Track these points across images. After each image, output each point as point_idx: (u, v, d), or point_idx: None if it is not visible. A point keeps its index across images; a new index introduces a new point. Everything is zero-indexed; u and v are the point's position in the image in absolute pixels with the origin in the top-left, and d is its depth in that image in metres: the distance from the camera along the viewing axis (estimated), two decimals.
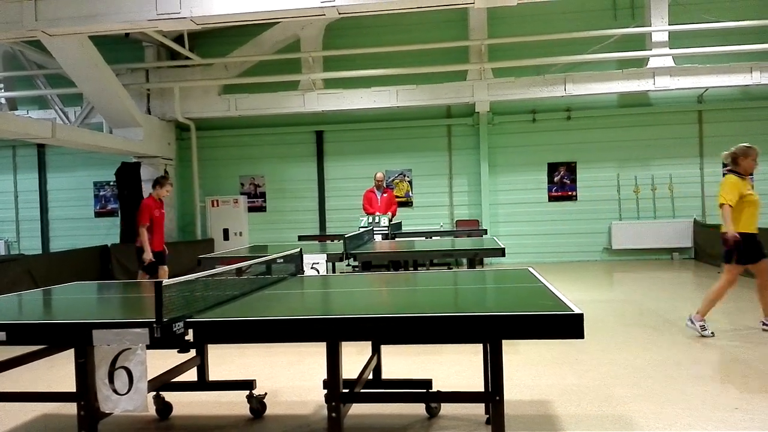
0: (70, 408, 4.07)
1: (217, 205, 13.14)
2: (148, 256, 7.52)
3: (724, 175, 5.90)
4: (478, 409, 3.81)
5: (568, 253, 12.65)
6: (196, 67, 12.49)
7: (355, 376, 3.44)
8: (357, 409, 3.87)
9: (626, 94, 12.17)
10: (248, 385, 3.93)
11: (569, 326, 2.39)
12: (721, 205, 5.66)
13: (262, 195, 13.61)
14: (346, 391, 2.91)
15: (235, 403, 4.15)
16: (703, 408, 3.76)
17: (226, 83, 12.57)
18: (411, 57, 12.32)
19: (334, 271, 9.61)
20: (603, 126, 12.59)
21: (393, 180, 13.17)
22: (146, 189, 12.29)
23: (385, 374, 4.35)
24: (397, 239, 8.79)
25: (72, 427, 3.67)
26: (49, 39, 8.16)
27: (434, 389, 3.89)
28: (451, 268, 10.22)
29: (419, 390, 3.87)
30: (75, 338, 2.72)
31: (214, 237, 12.92)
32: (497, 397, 2.62)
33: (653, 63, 11.51)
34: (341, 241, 6.22)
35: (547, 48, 12.00)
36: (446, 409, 3.84)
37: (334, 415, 2.77)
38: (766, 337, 5.53)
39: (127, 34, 11.47)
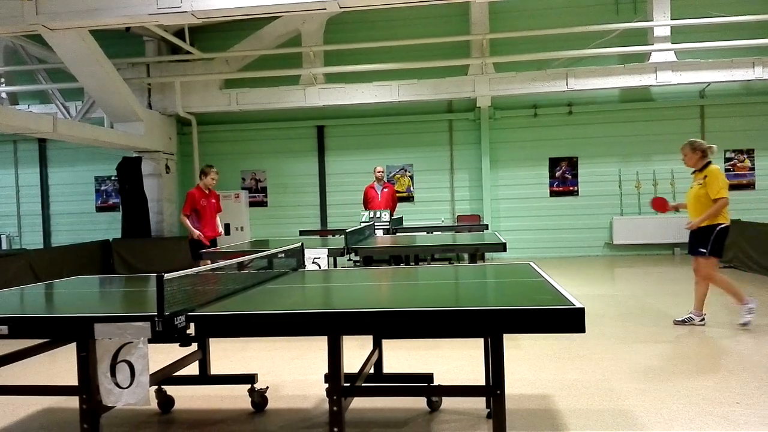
0: (73, 402, 4.08)
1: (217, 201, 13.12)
2: (196, 233, 7.62)
3: (706, 166, 5.76)
4: (480, 403, 3.81)
5: (569, 248, 12.64)
6: (197, 62, 12.47)
7: (356, 370, 3.45)
8: (358, 403, 3.88)
9: (628, 89, 12.14)
10: (250, 379, 3.94)
11: (570, 320, 2.39)
12: (718, 200, 5.60)
13: (264, 190, 13.61)
14: (348, 385, 2.92)
15: (237, 397, 4.16)
16: (704, 403, 3.76)
17: (227, 78, 12.55)
18: (412, 51, 12.29)
19: (335, 266, 9.62)
20: (605, 121, 12.57)
21: (394, 175, 13.16)
22: (147, 184, 12.32)
23: (387, 368, 4.36)
24: (398, 234, 8.79)
25: (74, 420, 3.69)
26: (49, 33, 8.15)
27: (435, 383, 3.90)
28: (452, 263, 10.22)
29: (420, 384, 3.87)
30: (77, 332, 2.73)
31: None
32: (498, 391, 2.62)
33: (655, 58, 11.47)
34: (342, 236, 6.22)
35: (548, 42, 11.98)
36: (447, 403, 3.84)
37: (335, 408, 2.77)
38: (767, 332, 5.53)
39: (127, 29, 11.44)
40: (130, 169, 12.19)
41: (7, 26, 7.31)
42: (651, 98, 12.50)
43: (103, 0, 7.00)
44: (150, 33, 11.93)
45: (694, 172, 5.91)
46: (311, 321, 2.56)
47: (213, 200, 8.01)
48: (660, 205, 6.20)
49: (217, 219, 8.05)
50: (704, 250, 5.69)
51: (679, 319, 5.97)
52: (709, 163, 5.79)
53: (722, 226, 5.65)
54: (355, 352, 4.92)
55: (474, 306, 2.53)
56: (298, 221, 13.08)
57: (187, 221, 7.68)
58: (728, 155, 12.34)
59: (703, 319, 5.88)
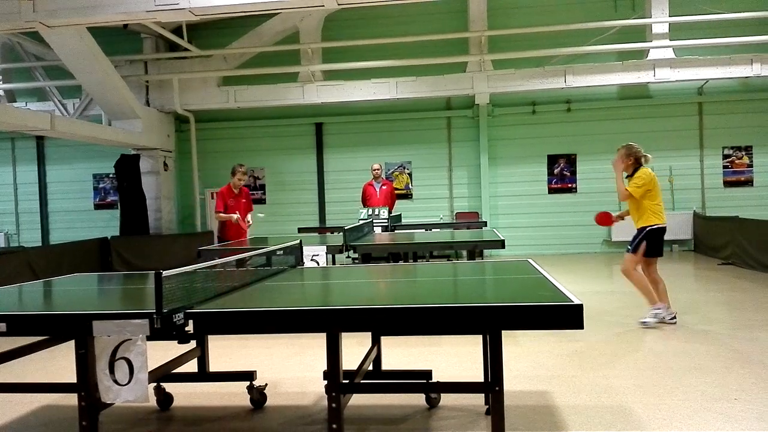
0: (71, 399, 4.08)
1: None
2: (234, 216, 7.62)
3: (636, 170, 5.93)
4: (478, 399, 3.82)
5: (567, 245, 12.65)
6: (194, 59, 12.45)
7: (355, 367, 3.45)
8: (357, 399, 3.88)
9: (626, 86, 12.15)
10: (249, 376, 3.94)
11: (569, 317, 2.39)
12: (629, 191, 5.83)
13: (262, 187, 13.60)
14: (347, 381, 2.92)
15: (236, 394, 4.16)
16: (703, 399, 3.77)
17: (225, 75, 12.53)
18: (411, 49, 12.28)
19: (333, 263, 9.62)
20: (603, 118, 12.57)
21: (392, 172, 13.15)
22: (145, 181, 12.31)
23: (385, 365, 4.36)
24: (396, 231, 8.79)
25: (73, 417, 3.69)
26: (47, 30, 8.13)
27: (434, 380, 3.90)
28: (451, 260, 10.23)
29: (419, 381, 3.88)
30: (75, 329, 2.72)
31: (214, 229, 12.91)
32: (497, 388, 2.62)
33: (653, 55, 11.48)
34: (341, 233, 6.22)
35: (547, 39, 11.97)
36: (446, 399, 3.85)
37: (334, 405, 2.77)
38: (766, 329, 5.54)
39: (125, 26, 11.42)
40: (128, 167, 12.17)
41: (5, 23, 7.28)
42: (649, 95, 12.50)
43: None
44: (148, 30, 11.90)
45: (627, 177, 6.02)
46: (310, 318, 2.56)
47: (243, 200, 7.96)
48: (605, 219, 6.30)
49: (249, 217, 8.00)
50: (629, 248, 5.95)
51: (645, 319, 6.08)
52: (639, 167, 5.93)
53: (650, 227, 5.83)
54: (354, 349, 4.92)
55: (472, 303, 2.53)
56: (297, 218, 13.07)
57: (221, 214, 7.67)
58: (726, 152, 12.35)
59: (674, 318, 5.94)
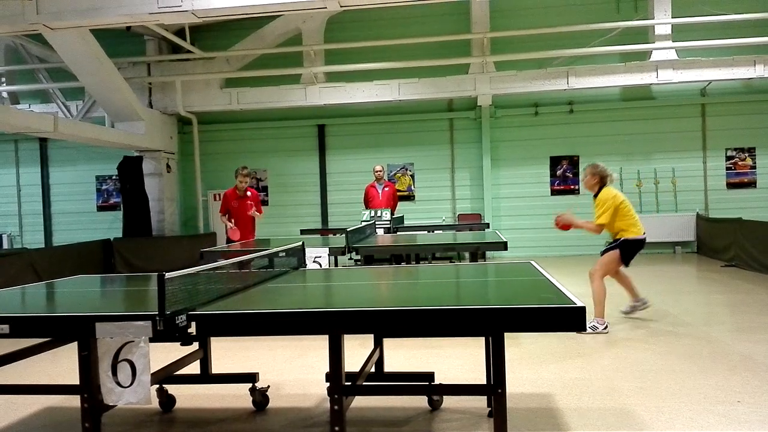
0: (74, 401, 4.09)
1: (219, 199, 13.13)
2: (230, 224, 7.83)
3: (600, 190, 5.99)
4: (481, 402, 3.81)
5: (570, 246, 12.63)
6: (197, 61, 12.48)
7: (357, 369, 3.45)
8: (359, 402, 3.88)
9: (629, 88, 12.13)
10: (251, 378, 3.94)
11: (571, 319, 2.39)
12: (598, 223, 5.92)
13: (264, 189, 13.61)
14: (349, 384, 2.92)
15: (238, 396, 4.16)
16: (705, 401, 3.76)
17: (228, 77, 12.55)
18: (413, 50, 12.29)
19: (336, 265, 9.62)
20: (605, 120, 12.56)
21: (395, 174, 13.16)
22: (148, 183, 12.33)
23: (388, 367, 4.36)
24: (399, 233, 8.79)
25: (75, 419, 3.69)
26: (50, 33, 8.15)
27: (436, 382, 3.90)
28: (453, 262, 10.22)
29: (421, 383, 3.87)
30: (78, 331, 2.72)
31: (217, 231, 12.94)
32: (499, 390, 2.62)
33: (656, 56, 11.46)
34: (343, 235, 6.23)
35: (549, 41, 11.97)
36: (448, 402, 3.84)
37: (336, 407, 2.77)
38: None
39: (128, 28, 11.45)
40: (131, 169, 12.19)
41: (8, 26, 7.31)
42: (652, 97, 12.49)
43: None
44: (151, 32, 11.93)
45: (594, 196, 6.07)
46: (312, 320, 2.56)
47: (249, 202, 7.96)
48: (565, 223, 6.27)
49: (251, 210, 8.04)
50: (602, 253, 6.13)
51: (625, 309, 6.27)
52: (603, 186, 5.98)
53: (622, 239, 5.97)
54: (356, 351, 4.92)
55: (475, 305, 2.53)
56: (299, 220, 13.08)
57: (223, 217, 7.84)
58: (729, 153, 12.33)
59: (645, 303, 6.16)
